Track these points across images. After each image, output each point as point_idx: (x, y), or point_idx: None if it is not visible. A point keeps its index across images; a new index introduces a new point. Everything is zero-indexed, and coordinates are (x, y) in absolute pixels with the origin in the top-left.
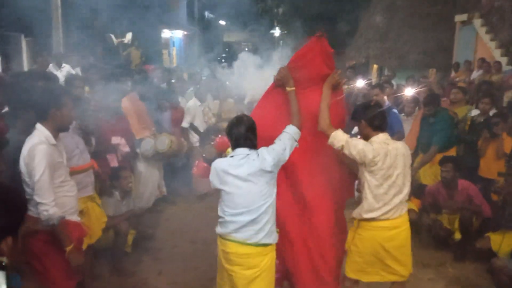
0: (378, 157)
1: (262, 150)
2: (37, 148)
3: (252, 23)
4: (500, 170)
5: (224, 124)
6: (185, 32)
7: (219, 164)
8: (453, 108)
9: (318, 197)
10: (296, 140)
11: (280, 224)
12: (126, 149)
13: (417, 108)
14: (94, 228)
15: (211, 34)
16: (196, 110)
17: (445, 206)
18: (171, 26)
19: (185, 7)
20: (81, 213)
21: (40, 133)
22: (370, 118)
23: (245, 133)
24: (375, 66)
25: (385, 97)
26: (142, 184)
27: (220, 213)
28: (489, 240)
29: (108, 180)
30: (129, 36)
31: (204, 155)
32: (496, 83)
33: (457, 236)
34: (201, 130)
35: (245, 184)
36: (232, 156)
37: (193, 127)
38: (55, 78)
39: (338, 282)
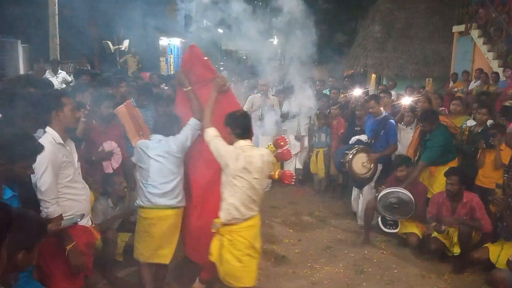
0: (227, 158)
1: (169, 138)
2: None
3: (250, 32)
4: (497, 181)
5: None
6: (183, 40)
7: (138, 144)
8: (452, 118)
9: (211, 182)
10: (198, 130)
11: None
12: (120, 155)
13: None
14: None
15: (209, 42)
16: None
17: (446, 222)
18: (169, 33)
19: (183, 15)
20: None
21: (48, 134)
22: (233, 127)
23: (163, 123)
24: (373, 75)
25: (382, 108)
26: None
27: (139, 185)
28: (488, 251)
29: (101, 186)
30: (126, 43)
31: None
32: (494, 93)
33: (456, 250)
34: None
35: (155, 162)
36: (150, 140)
37: None
38: (50, 84)
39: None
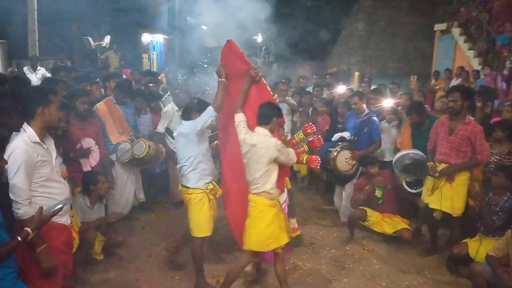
0: (242, 141)
1: (188, 121)
2: (15, 146)
3: (233, 29)
4: (476, 176)
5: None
6: (166, 37)
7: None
8: (438, 115)
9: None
10: (212, 117)
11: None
12: (98, 153)
13: (398, 115)
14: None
15: (192, 39)
16: (174, 115)
17: (442, 172)
18: (151, 30)
19: (166, 12)
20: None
21: (24, 132)
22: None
23: (186, 109)
24: (356, 73)
25: (365, 105)
26: (118, 191)
27: None
28: (467, 246)
29: (81, 185)
30: (107, 39)
31: None
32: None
33: (444, 207)
34: None
35: (176, 142)
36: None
37: (170, 132)
38: (27, 81)
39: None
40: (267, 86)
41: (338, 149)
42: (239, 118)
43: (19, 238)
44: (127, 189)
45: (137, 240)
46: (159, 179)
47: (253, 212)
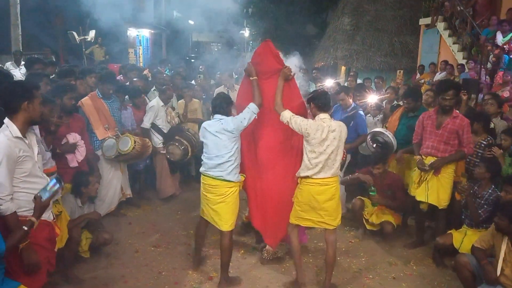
0: (309, 129)
1: (229, 117)
2: None
3: (221, 24)
4: (461, 169)
5: (189, 125)
6: (152, 31)
7: (203, 124)
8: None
9: (270, 160)
10: (255, 113)
11: (243, 171)
12: (84, 148)
13: (383, 110)
14: (63, 232)
15: (180, 34)
16: (159, 110)
17: (433, 164)
18: (137, 24)
19: (152, 6)
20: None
21: (6, 128)
22: (316, 102)
23: (219, 104)
24: (343, 68)
25: (351, 100)
26: (104, 187)
27: (202, 156)
28: (451, 237)
29: (73, 185)
30: (92, 33)
31: (167, 156)
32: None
33: (431, 199)
34: (165, 130)
35: (214, 137)
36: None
37: (155, 127)
38: (10, 76)
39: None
40: (297, 85)
41: None
42: (288, 113)
43: (25, 228)
44: (113, 184)
45: (124, 236)
46: (145, 175)
47: (330, 191)
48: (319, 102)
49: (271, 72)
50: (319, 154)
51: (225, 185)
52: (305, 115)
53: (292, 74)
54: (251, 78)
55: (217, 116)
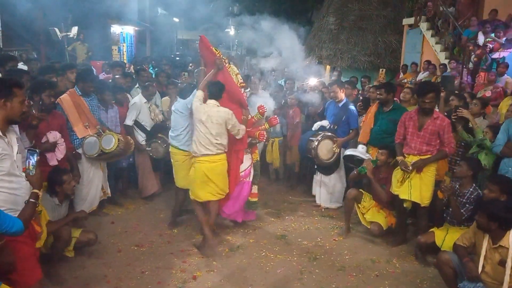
0: (195, 111)
1: (184, 100)
2: None
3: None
4: (443, 168)
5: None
6: (136, 28)
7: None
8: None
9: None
10: (197, 98)
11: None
12: (64, 146)
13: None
14: (43, 231)
15: (164, 31)
16: (142, 107)
17: (415, 164)
18: (121, 21)
19: (136, 3)
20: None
21: None
22: (208, 90)
23: (182, 89)
24: (327, 66)
25: (343, 95)
26: (85, 186)
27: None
28: (433, 235)
29: (48, 183)
30: (74, 30)
31: (151, 154)
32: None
33: (414, 197)
34: (148, 128)
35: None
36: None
37: (138, 124)
38: None
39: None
40: (229, 73)
41: (320, 138)
42: (198, 94)
43: (32, 200)
44: (94, 183)
45: (106, 236)
46: (127, 173)
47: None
48: (209, 91)
49: (212, 62)
50: (204, 135)
51: (182, 154)
52: (241, 98)
53: (223, 63)
54: (200, 68)
55: (179, 99)
